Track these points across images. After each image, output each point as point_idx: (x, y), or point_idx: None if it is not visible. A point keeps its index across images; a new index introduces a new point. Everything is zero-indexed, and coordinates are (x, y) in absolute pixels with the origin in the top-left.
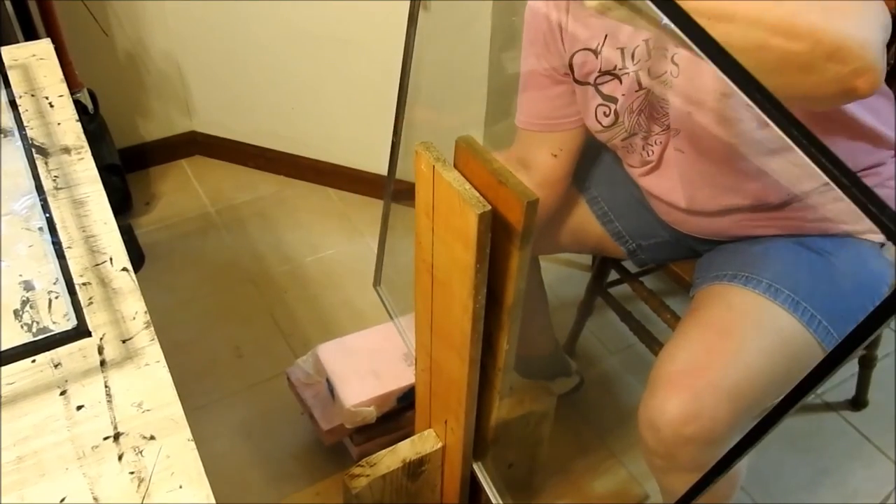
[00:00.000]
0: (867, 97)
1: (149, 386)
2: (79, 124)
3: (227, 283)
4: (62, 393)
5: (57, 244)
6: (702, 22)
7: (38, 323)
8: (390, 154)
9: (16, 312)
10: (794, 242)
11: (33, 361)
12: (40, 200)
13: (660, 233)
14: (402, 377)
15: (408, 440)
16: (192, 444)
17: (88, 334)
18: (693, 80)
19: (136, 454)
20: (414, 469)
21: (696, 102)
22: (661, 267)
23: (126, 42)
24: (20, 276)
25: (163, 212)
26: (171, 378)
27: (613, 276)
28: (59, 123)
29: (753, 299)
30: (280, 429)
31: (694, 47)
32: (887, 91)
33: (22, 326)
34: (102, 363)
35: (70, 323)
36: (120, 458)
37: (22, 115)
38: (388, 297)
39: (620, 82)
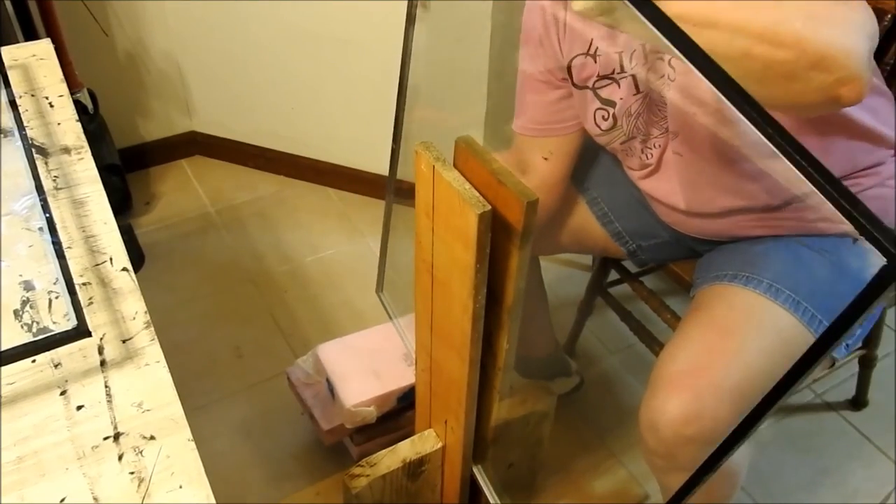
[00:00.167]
0: (853, 105)
1: (149, 386)
2: (79, 124)
3: (227, 283)
4: (62, 393)
5: (57, 244)
6: (687, 28)
7: (38, 323)
8: (390, 161)
9: (16, 312)
10: (794, 242)
11: (33, 361)
12: (40, 200)
13: (660, 233)
14: (402, 377)
15: (408, 440)
16: (192, 444)
17: (88, 334)
18: (690, 83)
19: (136, 454)
20: (414, 469)
21: (693, 105)
22: (662, 267)
23: (126, 42)
24: (20, 276)
25: (163, 212)
26: (171, 378)
27: (613, 275)
28: (59, 123)
29: (754, 299)
30: (280, 429)
31: (678, 53)
32: (886, 91)
33: (22, 326)
34: (102, 363)
35: (70, 323)
36: (120, 458)
37: (22, 115)
38: (389, 302)
39: (619, 86)
